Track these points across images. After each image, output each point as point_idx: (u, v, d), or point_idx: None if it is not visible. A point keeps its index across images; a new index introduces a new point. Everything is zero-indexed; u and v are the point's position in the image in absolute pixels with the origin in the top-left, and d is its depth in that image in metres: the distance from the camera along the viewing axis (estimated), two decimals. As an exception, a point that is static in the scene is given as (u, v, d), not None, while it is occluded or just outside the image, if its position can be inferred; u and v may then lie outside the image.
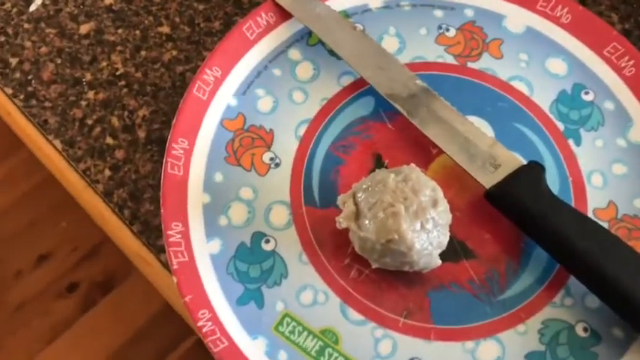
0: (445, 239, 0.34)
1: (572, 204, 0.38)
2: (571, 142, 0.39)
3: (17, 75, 0.41)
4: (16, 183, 1.10)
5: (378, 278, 0.36)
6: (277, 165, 0.38)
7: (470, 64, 0.41)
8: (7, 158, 1.12)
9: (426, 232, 0.33)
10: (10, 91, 0.40)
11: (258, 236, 0.37)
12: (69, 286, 1.04)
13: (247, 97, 0.40)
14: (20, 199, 1.10)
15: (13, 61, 0.41)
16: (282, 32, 0.41)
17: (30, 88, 0.41)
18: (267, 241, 0.37)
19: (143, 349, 0.99)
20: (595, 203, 0.38)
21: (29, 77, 0.41)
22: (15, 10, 0.43)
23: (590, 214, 0.37)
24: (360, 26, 0.42)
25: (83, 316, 1.02)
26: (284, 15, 0.41)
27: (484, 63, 0.41)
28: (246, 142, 0.39)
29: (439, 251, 0.34)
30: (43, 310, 1.02)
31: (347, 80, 0.40)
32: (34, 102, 0.40)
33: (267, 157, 0.39)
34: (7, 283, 1.04)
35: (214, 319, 0.34)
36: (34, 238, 1.07)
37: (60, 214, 1.07)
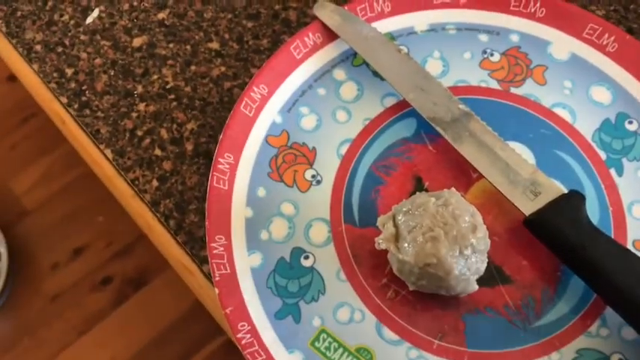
0: (483, 265, 0.35)
1: (612, 234, 0.38)
2: (613, 171, 0.39)
3: (72, 85, 0.43)
4: (55, 177, 1.13)
5: (414, 300, 0.37)
6: (319, 182, 0.39)
7: (513, 90, 0.41)
8: (48, 153, 1.14)
9: (465, 258, 0.34)
10: (65, 100, 0.42)
11: (298, 252, 0.38)
12: (103, 279, 1.07)
13: (292, 115, 0.41)
14: (59, 192, 1.13)
15: (69, 71, 0.43)
16: (328, 52, 0.42)
17: (84, 98, 0.42)
18: (307, 257, 0.38)
19: (171, 346, 1.01)
20: (635, 235, 0.38)
21: (83, 87, 0.42)
22: (72, 22, 0.45)
23: (629, 246, 0.37)
24: (404, 49, 0.42)
25: (115, 310, 1.04)
26: (330, 35, 0.42)
27: (527, 89, 0.41)
28: (289, 159, 0.40)
29: (476, 277, 0.35)
30: (76, 303, 1.04)
31: (390, 101, 0.41)
32: (87, 112, 0.42)
33: (309, 174, 0.39)
34: (43, 274, 1.06)
35: (253, 331, 0.35)
36: (71, 232, 1.10)
37: (97, 209, 1.10)
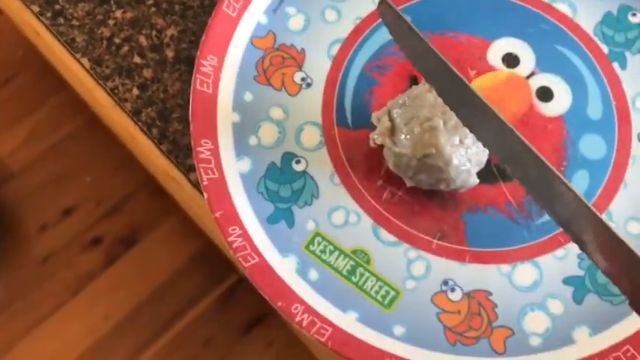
0: (484, 156, 0.33)
1: (616, 129, 0.36)
2: (616, 65, 0.38)
3: (44, -7, 0.40)
4: (40, 138, 1.11)
5: (411, 200, 0.35)
6: (309, 85, 0.37)
7: (510, -15, 0.39)
8: (32, 114, 1.12)
9: (465, 148, 0.32)
10: (36, 8, 0.39)
11: (289, 157, 0.36)
12: (93, 239, 1.05)
13: (278, 15, 0.38)
14: (45, 153, 1.11)
15: (40, -21, 0.40)
16: (315, -51, 0.40)
17: (57, 7, 0.40)
18: (298, 162, 0.36)
19: (165, 303, 1.00)
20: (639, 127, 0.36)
21: (56, -5, 0.40)
22: None
23: (634, 139, 0.36)
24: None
25: (107, 270, 1.03)
26: None
27: (526, -17, 0.39)
28: (276, 61, 0.38)
29: (477, 169, 0.33)
30: (67, 263, 1.03)
31: (382, -1, 0.39)
32: (61, 20, 0.39)
33: (298, 76, 0.37)
34: (32, 236, 1.05)
35: (245, 235, 0.34)
36: (59, 193, 1.08)
37: (84, 170, 1.08)
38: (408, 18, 0.32)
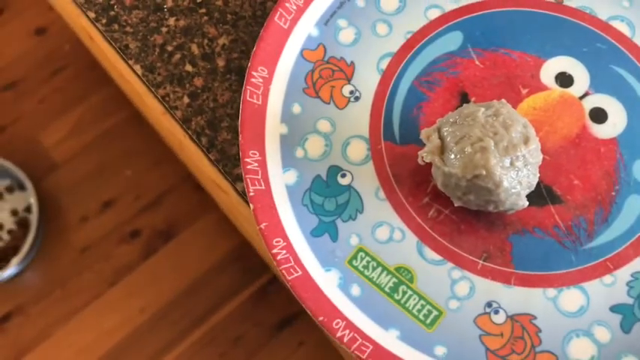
0: (535, 179, 0.33)
1: (671, 153, 0.35)
2: (674, 87, 0.37)
3: (100, 0, 0.41)
4: (84, 130, 1.13)
5: (457, 219, 0.35)
6: (357, 99, 0.37)
7: (567, 2, 0.39)
8: (77, 106, 1.14)
9: (516, 170, 0.32)
10: (92, 15, 0.40)
11: (335, 170, 0.36)
12: (131, 232, 1.07)
13: (329, 28, 0.38)
14: (87, 146, 1.13)
15: (96, -14, 0.41)
16: (368, -38, 0.40)
17: (112, 13, 0.40)
18: (344, 176, 0.36)
19: (200, 297, 1.01)
20: (698, 153, 0.35)
21: (111, 2, 0.41)
22: None
23: (691, 165, 0.35)
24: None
25: (144, 263, 1.05)
26: (371, -56, 0.40)
27: (582, 1, 0.39)
28: (325, 74, 0.38)
29: (527, 192, 0.33)
30: (105, 255, 1.05)
31: (434, 13, 0.39)
32: (115, 27, 0.40)
33: (346, 90, 0.37)
34: (73, 226, 1.07)
35: (288, 247, 0.34)
36: (100, 185, 1.10)
37: (124, 163, 1.10)
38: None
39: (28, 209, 0.99)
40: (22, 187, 0.99)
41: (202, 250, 1.04)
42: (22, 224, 1.00)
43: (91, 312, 1.02)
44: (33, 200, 0.99)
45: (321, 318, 0.32)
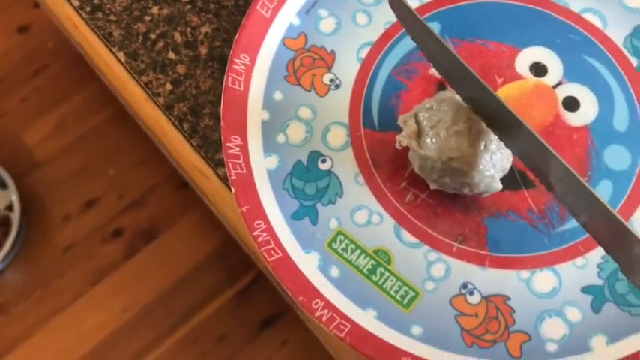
0: (508, 163, 0.34)
1: (642, 141, 0.36)
2: (644, 77, 0.38)
3: (84, -12, 0.41)
4: (67, 130, 1.13)
5: (434, 203, 0.36)
6: (337, 86, 0.38)
7: (541, -5, 0.40)
8: (59, 106, 1.14)
9: (489, 153, 0.33)
10: (76, 3, 0.41)
11: (315, 156, 0.37)
12: (114, 231, 1.06)
13: (310, 17, 0.39)
14: (70, 145, 1.12)
15: (80, -26, 0.42)
16: (349, -46, 0.41)
17: (96, 1, 0.41)
18: (324, 161, 0.37)
19: (182, 297, 1.01)
20: (666, 140, 0.36)
21: (95, -9, 0.41)
22: None
23: (659, 151, 0.36)
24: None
25: (127, 262, 1.04)
26: (351, -63, 0.41)
27: (556, -6, 0.40)
28: (306, 62, 0.38)
29: (501, 175, 0.34)
30: (88, 254, 1.04)
31: (413, 4, 0.39)
32: (99, 15, 0.41)
33: (327, 78, 0.38)
34: (56, 225, 1.06)
35: (269, 230, 0.34)
36: (83, 184, 1.09)
37: (108, 162, 1.09)
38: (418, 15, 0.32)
39: (9, 208, 0.99)
40: (3, 185, 0.99)
41: (185, 249, 1.04)
42: (4, 223, 0.99)
43: (73, 311, 1.01)
44: (15, 198, 0.99)
45: (300, 298, 0.33)
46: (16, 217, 0.98)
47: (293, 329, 0.94)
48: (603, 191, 0.35)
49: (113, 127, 1.09)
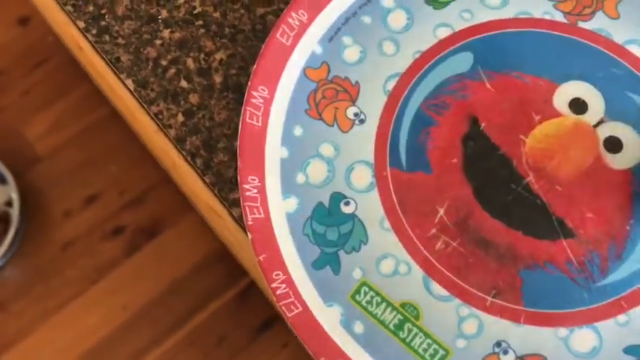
0: None
1: (688, 186, 0.34)
2: (691, 116, 0.35)
3: (90, 8, 0.38)
4: (68, 124, 1.11)
5: (466, 252, 0.33)
6: (362, 121, 0.35)
7: (581, 24, 0.37)
8: (61, 99, 1.12)
9: None
10: (82, 24, 0.38)
11: (338, 197, 0.34)
12: (114, 229, 1.05)
13: (333, 45, 0.36)
14: (72, 140, 1.10)
15: (86, -8, 0.39)
16: (375, -24, 0.38)
17: (103, 23, 0.38)
18: (347, 204, 0.34)
19: (183, 297, 0.99)
20: None
21: (102, 11, 0.38)
22: (89, -63, 0.40)
23: None
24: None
25: (127, 260, 1.03)
26: (378, -43, 0.38)
27: (597, 23, 0.37)
28: (329, 95, 0.36)
29: None
30: (88, 251, 1.03)
31: (443, 32, 0.37)
32: (106, 38, 0.38)
33: (351, 112, 0.36)
34: (55, 221, 1.05)
35: (288, 281, 0.32)
36: (84, 180, 1.08)
37: (110, 158, 1.08)
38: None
39: (9, 203, 0.96)
40: (3, 180, 0.97)
41: (186, 248, 1.02)
42: (3, 219, 0.97)
43: (72, 309, 1.01)
44: (14, 194, 0.97)
45: (322, 359, 0.31)
46: (15, 213, 0.96)
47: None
48: (647, 241, 0.33)
49: (115, 121, 1.07)
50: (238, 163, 0.33)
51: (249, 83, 0.34)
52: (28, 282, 1.01)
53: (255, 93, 0.35)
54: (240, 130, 0.34)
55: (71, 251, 1.04)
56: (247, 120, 0.34)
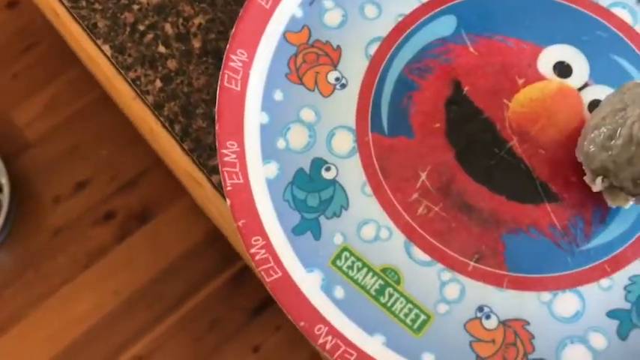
0: None
1: (674, 150, 0.33)
2: (677, 80, 0.35)
3: (65, -27, 0.38)
4: (58, 109, 1.10)
5: (448, 217, 0.33)
6: (343, 86, 0.35)
7: (566, -13, 0.36)
8: (51, 83, 1.11)
9: None
10: (57, -11, 0.37)
11: (319, 163, 0.34)
12: (106, 214, 1.04)
13: (314, 9, 0.36)
14: (62, 124, 1.09)
15: (62, -43, 0.38)
16: (357, -62, 0.37)
17: (79, -12, 0.37)
18: (328, 169, 0.33)
19: (175, 282, 0.99)
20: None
21: (78, -25, 0.38)
22: None
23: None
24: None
25: (119, 245, 1.02)
26: None
27: (583, -15, 0.36)
28: (310, 59, 0.35)
29: None
30: (79, 237, 1.02)
31: (427, -4, 0.36)
32: (83, 3, 0.37)
33: (332, 76, 0.35)
34: (46, 207, 1.04)
35: (268, 246, 0.31)
36: (74, 165, 1.07)
37: (100, 142, 1.07)
38: None
39: (-2, 189, 0.95)
40: (-7, 166, 0.96)
41: (178, 232, 1.02)
42: (-7, 205, 0.96)
43: (64, 294, 1.00)
44: (4, 180, 0.96)
45: (302, 323, 0.30)
46: (5, 198, 0.95)
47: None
48: (632, 205, 0.33)
49: (106, 106, 1.06)
50: (216, 127, 0.32)
51: (227, 47, 0.34)
52: (19, 267, 1.01)
53: (233, 56, 0.34)
54: (218, 93, 0.33)
55: (62, 237, 1.04)
56: (225, 84, 0.33)
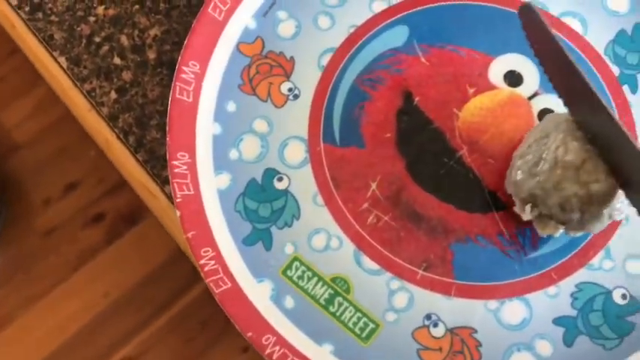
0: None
1: (622, 158, 0.34)
2: (626, 88, 0.35)
3: (23, -15, 0.38)
4: (46, 110, 1.10)
5: (397, 226, 0.33)
6: (296, 97, 0.35)
7: (518, -4, 0.37)
8: (39, 86, 1.11)
9: None
10: (14, 1, 0.37)
11: (271, 173, 0.34)
12: (95, 216, 1.04)
13: (267, 20, 0.36)
14: (50, 126, 1.09)
15: (20, -30, 0.38)
16: (310, -51, 0.37)
17: (36, 0, 0.38)
18: (280, 179, 0.34)
19: (166, 282, 0.99)
20: (648, 158, 0.33)
21: (35, -12, 0.38)
22: None
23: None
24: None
25: (109, 247, 1.03)
26: None
27: (535, -5, 0.37)
28: (263, 70, 0.35)
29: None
30: (69, 238, 1.02)
31: (379, 6, 0.36)
32: (39, 15, 0.37)
33: (285, 87, 0.35)
34: (36, 209, 1.04)
35: (218, 257, 0.32)
36: (64, 167, 1.07)
37: (89, 143, 1.06)
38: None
39: (-13, 192, 0.96)
40: (-21, 169, 0.96)
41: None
42: (-18, 207, 0.96)
43: (54, 296, 1.00)
44: (-7, 182, 0.96)
45: (250, 334, 0.30)
46: (-5, 200, 0.95)
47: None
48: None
49: (92, 108, 1.05)
50: (167, 139, 0.33)
51: (179, 59, 0.34)
52: (9, 270, 1.01)
53: (185, 68, 0.34)
54: (169, 105, 0.33)
55: (52, 239, 1.04)
56: (177, 95, 0.34)
